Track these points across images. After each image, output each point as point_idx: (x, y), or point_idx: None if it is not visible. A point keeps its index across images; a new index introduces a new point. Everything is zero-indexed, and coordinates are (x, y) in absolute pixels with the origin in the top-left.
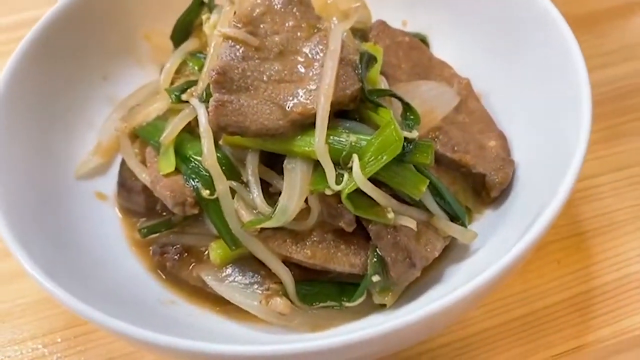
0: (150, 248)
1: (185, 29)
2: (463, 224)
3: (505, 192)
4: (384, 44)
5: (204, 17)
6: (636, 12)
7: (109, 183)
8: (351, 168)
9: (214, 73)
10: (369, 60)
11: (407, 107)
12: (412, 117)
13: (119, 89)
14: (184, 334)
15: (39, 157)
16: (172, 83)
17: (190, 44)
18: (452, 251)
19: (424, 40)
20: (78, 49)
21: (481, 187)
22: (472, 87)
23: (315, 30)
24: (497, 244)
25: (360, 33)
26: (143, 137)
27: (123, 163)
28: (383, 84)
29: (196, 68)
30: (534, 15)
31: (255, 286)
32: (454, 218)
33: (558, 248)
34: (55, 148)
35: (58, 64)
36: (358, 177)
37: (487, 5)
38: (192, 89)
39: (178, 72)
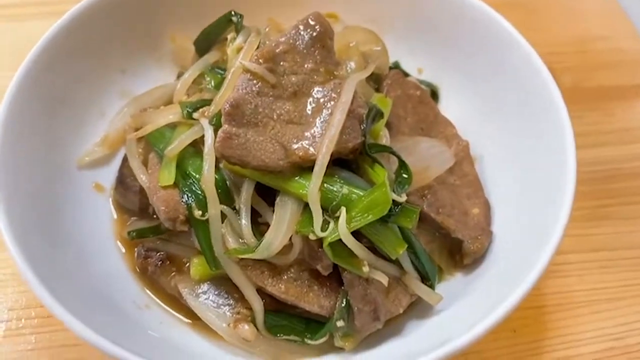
0: (135, 249)
1: (209, 40)
2: (431, 286)
3: (479, 259)
4: (395, 94)
5: (229, 36)
6: None
7: (109, 176)
8: (338, 218)
9: (227, 105)
10: (375, 115)
11: (402, 165)
12: (405, 176)
13: (135, 85)
14: (148, 345)
15: (46, 140)
16: (187, 91)
17: (211, 57)
18: (416, 307)
19: (434, 91)
20: (102, 40)
21: (457, 250)
22: (470, 151)
23: (332, 77)
24: (461, 310)
25: (375, 78)
26: (149, 142)
27: (125, 160)
28: (385, 139)
29: (212, 84)
30: (536, 90)
31: (227, 308)
32: (424, 277)
33: (517, 317)
34: (64, 134)
35: (81, 52)
36: (342, 230)
37: (497, 70)
38: (205, 108)
39: (195, 81)
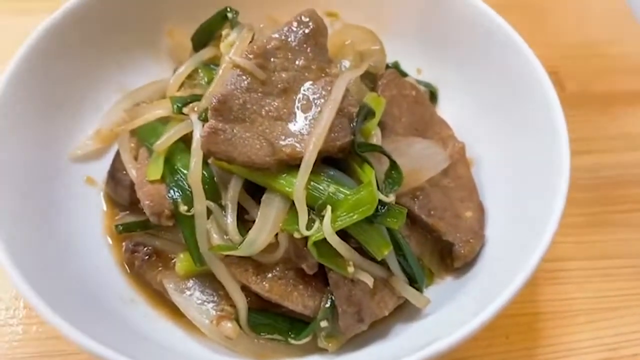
0: (123, 244)
1: (205, 36)
2: (419, 289)
3: (470, 263)
4: (390, 94)
5: (223, 32)
6: None
7: (102, 169)
8: (323, 216)
9: (215, 100)
10: (367, 114)
11: (393, 166)
12: (395, 177)
13: (132, 79)
14: (130, 341)
15: (39, 134)
16: (181, 86)
17: (206, 53)
18: (404, 310)
19: (433, 92)
20: (99, 34)
21: (448, 253)
22: (465, 153)
23: (323, 74)
24: (449, 314)
25: (371, 77)
26: (140, 137)
27: (117, 154)
28: (376, 138)
29: (205, 80)
30: (534, 93)
31: (211, 305)
32: (412, 280)
33: (510, 323)
34: (58, 128)
35: (76, 47)
36: (327, 229)
37: (496, 72)
38: (195, 104)
39: (190, 77)
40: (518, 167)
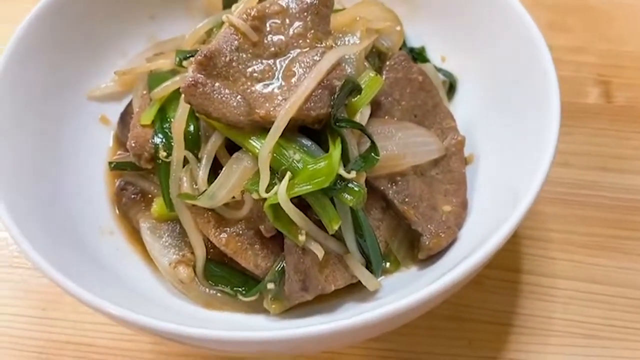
0: (116, 180)
1: None
2: (373, 271)
3: (438, 257)
4: (395, 76)
5: None
6: None
7: (119, 111)
8: None
9: (201, 54)
10: (352, 90)
11: (372, 147)
12: (369, 158)
13: (164, 32)
14: (93, 271)
15: (62, 66)
16: (203, 43)
17: (227, 13)
18: (358, 291)
19: (452, 84)
20: None
21: (417, 244)
22: (464, 147)
23: (318, 44)
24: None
25: (383, 57)
26: (149, 84)
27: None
28: (360, 116)
29: None
30: (542, 101)
31: (174, 249)
32: (370, 262)
33: (478, 329)
34: (80, 65)
35: None
36: (281, 195)
37: (516, 74)
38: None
39: (209, 34)
40: (511, 172)
